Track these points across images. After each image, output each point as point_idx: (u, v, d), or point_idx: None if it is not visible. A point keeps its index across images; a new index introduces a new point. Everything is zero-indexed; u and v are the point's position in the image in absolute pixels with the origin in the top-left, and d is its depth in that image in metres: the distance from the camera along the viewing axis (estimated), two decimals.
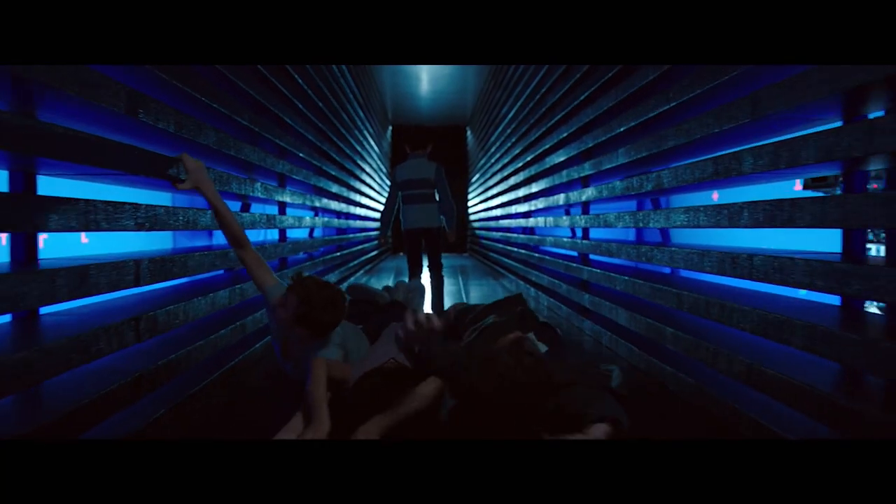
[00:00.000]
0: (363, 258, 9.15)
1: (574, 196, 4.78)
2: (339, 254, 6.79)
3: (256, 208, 4.90)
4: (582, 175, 4.43)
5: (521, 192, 7.29)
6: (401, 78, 11.76)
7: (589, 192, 4.33)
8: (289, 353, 2.58)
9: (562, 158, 5.00)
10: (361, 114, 8.74)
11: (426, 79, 11.83)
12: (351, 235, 8.11)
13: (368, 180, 9.89)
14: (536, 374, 1.94)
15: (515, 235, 7.99)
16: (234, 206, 6.29)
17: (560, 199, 5.21)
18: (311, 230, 7.51)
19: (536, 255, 6.34)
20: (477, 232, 13.63)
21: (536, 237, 6.57)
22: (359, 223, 8.99)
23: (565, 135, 4.82)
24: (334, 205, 6.75)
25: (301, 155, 4.84)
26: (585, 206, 5.23)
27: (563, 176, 5.01)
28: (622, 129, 3.50)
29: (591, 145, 4.17)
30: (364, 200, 9.32)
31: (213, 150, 2.85)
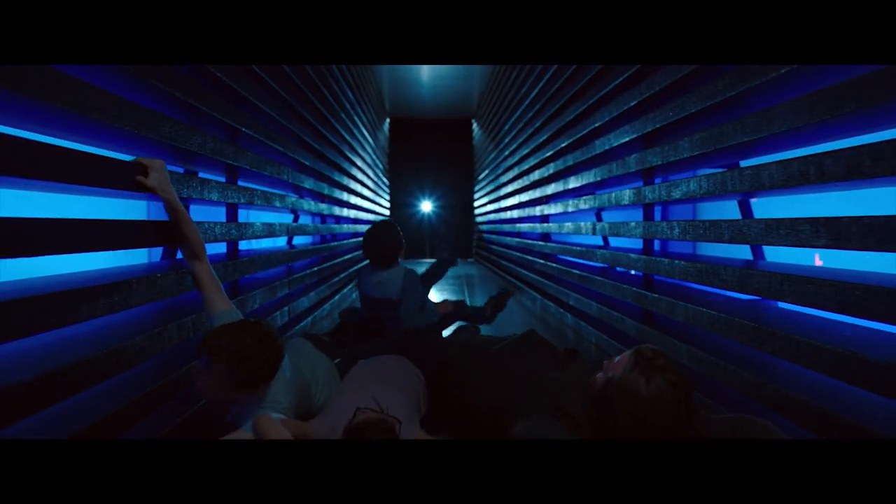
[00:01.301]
0: (353, 269, 7.61)
1: (653, 192, 3.23)
2: (316, 268, 5.24)
3: (199, 213, 3.40)
4: (671, 160, 2.89)
5: (549, 189, 5.75)
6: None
7: (690, 186, 2.77)
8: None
9: (627, 138, 3.47)
10: (351, 95, 7.20)
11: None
12: (335, 244, 6.56)
13: (361, 176, 8.34)
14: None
15: (540, 244, 6.44)
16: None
17: (625, 196, 3.65)
18: (290, 238, 6.00)
19: (576, 271, 4.79)
20: (485, 236, 12.07)
21: (577, 247, 5.02)
22: (347, 227, 7.44)
23: (635, 102, 3.28)
24: (309, 205, 5.21)
25: (259, 137, 3.31)
26: (649, 210, 3.69)
27: (631, 164, 3.47)
28: (784, 71, 1.96)
29: (693, 111, 2.63)
30: (355, 200, 7.77)
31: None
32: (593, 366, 2.08)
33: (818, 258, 7.14)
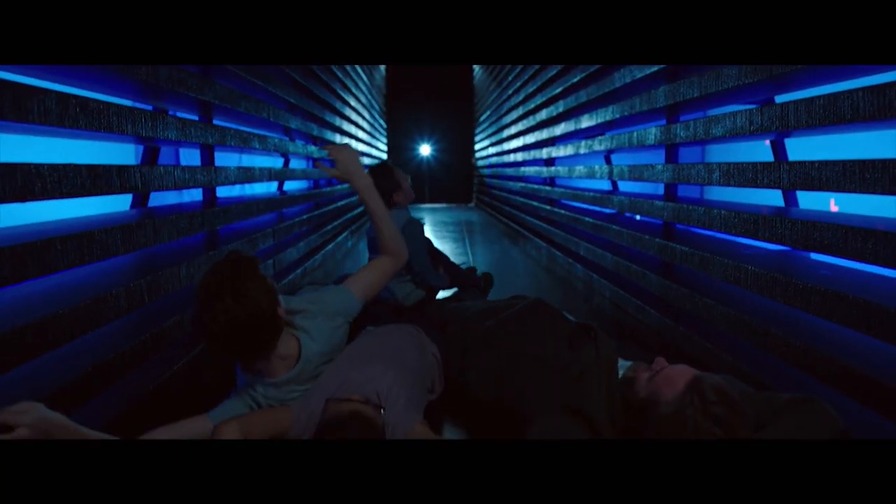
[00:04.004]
0: (348, 216, 7.23)
1: (686, 130, 2.81)
2: (306, 216, 4.86)
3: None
4: (711, 91, 2.47)
5: (558, 129, 5.30)
6: None
7: (737, 122, 2.35)
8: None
9: (655, 68, 3.03)
10: None
11: None
12: (328, 189, 6.16)
13: (355, 117, 7.86)
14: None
15: (547, 188, 6.03)
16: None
17: (650, 135, 3.23)
18: (281, 183, 5.60)
19: (589, 219, 4.41)
20: (487, 180, 11.64)
21: (589, 193, 4.62)
22: None
23: None
24: (298, 147, 4.79)
25: (236, 71, 2.88)
26: (673, 151, 3.29)
27: (659, 97, 3.03)
28: None
29: None
30: (349, 142, 7.32)
31: None
32: (609, 349, 1.75)
33: (833, 203, 6.77)
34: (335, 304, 1.89)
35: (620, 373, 1.72)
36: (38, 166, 1.62)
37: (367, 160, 9.33)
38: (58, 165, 1.69)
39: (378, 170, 2.98)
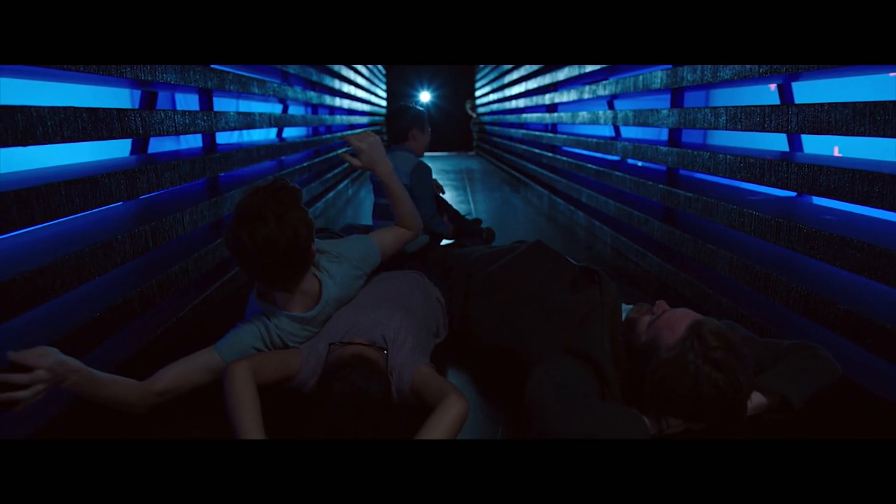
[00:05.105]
0: (347, 165, 7.16)
1: (693, 73, 2.76)
2: (307, 164, 4.82)
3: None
4: None
5: (562, 74, 5.21)
6: None
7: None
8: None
9: None
10: None
11: None
12: (328, 136, 6.09)
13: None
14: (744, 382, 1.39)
15: (549, 135, 5.97)
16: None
17: (656, 79, 3.16)
18: (280, 130, 5.54)
19: (592, 165, 4.37)
20: (487, 127, 11.50)
21: (592, 139, 4.57)
22: (341, 119, 6.93)
23: None
24: (297, 93, 4.71)
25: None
26: (679, 95, 3.24)
27: None
28: None
29: None
30: (348, 89, 7.20)
31: None
32: (613, 292, 1.75)
33: (837, 151, 6.72)
34: (361, 254, 1.93)
35: (623, 316, 1.73)
36: (38, 109, 1.60)
37: (366, 107, 9.20)
38: (58, 108, 1.67)
39: (408, 109, 3.08)
